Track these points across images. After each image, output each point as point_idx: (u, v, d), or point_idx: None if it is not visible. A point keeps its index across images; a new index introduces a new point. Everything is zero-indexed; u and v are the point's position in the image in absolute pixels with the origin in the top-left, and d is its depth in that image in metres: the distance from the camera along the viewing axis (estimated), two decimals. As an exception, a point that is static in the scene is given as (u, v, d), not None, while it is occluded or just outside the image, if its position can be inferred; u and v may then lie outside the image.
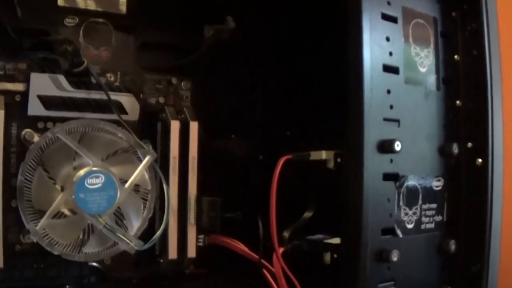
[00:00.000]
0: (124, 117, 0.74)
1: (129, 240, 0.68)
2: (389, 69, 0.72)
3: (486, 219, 0.78)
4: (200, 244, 0.79)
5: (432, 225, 0.78)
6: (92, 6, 0.79)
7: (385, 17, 0.73)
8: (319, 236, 0.82)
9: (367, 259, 0.69)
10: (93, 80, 0.73)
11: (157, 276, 0.78)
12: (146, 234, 0.73)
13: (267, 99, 0.94)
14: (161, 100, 0.83)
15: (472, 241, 0.77)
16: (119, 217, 0.70)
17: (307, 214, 0.83)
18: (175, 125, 0.74)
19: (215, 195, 0.78)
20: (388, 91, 0.72)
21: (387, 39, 0.72)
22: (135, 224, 0.70)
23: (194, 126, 0.75)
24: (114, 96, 0.74)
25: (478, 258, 0.76)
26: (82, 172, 0.65)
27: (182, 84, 0.86)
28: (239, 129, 0.91)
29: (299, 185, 0.83)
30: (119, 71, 0.81)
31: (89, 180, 0.65)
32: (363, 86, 0.68)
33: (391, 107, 0.72)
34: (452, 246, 0.78)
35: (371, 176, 0.69)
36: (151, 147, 0.71)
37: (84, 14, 0.79)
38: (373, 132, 0.68)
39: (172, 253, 0.75)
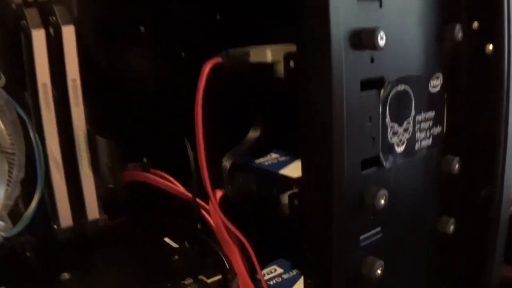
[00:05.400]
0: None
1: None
2: None
3: (500, 125, 0.58)
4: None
5: (429, 141, 0.56)
6: None
7: None
8: (273, 157, 0.59)
9: (344, 207, 0.49)
10: None
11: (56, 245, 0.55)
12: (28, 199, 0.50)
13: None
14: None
15: (480, 156, 0.59)
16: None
17: (253, 134, 0.59)
18: (38, 37, 0.49)
19: (118, 127, 0.53)
20: None
21: None
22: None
23: (69, 33, 0.49)
24: None
25: (487, 179, 0.59)
26: None
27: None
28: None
29: (238, 97, 0.58)
30: None
31: None
32: None
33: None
34: (455, 165, 0.57)
35: (344, 85, 0.46)
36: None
37: None
38: (344, 18, 0.45)
39: (66, 219, 0.52)
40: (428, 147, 0.56)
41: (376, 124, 0.50)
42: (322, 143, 0.47)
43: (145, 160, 0.54)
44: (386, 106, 0.50)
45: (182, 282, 0.51)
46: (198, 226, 0.58)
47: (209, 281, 0.52)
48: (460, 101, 0.58)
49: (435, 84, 0.56)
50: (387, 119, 0.51)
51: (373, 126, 0.50)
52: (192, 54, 0.62)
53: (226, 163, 0.57)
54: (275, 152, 0.60)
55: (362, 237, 0.51)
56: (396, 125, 0.52)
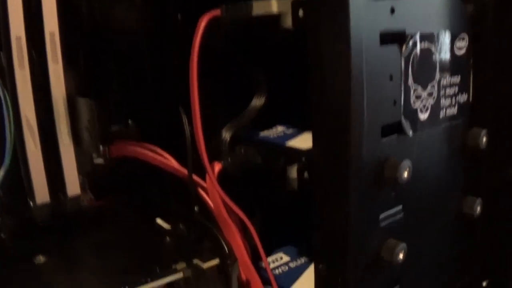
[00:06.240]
0: None
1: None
2: None
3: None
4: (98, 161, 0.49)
5: (454, 110, 0.50)
6: None
7: None
8: (278, 130, 0.53)
9: (361, 181, 0.42)
10: None
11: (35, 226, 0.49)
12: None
13: None
14: None
15: (509, 129, 0.53)
16: None
17: (257, 102, 0.52)
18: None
19: (104, 92, 0.47)
20: None
21: None
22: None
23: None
24: None
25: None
26: None
27: None
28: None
29: (239, 59, 0.52)
30: None
31: None
32: None
33: None
34: (483, 138, 0.50)
35: (363, 38, 0.40)
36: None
37: None
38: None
39: (42, 195, 0.45)
40: (454, 116, 0.50)
41: (397, 84, 0.43)
42: (337, 104, 0.41)
43: (130, 122, 0.47)
44: (408, 64, 0.44)
45: (174, 266, 0.44)
46: (196, 208, 0.51)
47: (205, 266, 0.46)
48: (487, 68, 0.52)
49: (461, 45, 0.49)
50: (410, 80, 0.44)
51: (394, 86, 0.43)
52: (190, 17, 0.56)
53: (226, 135, 0.50)
54: (282, 125, 0.54)
55: (381, 216, 0.45)
56: (419, 88, 0.46)
